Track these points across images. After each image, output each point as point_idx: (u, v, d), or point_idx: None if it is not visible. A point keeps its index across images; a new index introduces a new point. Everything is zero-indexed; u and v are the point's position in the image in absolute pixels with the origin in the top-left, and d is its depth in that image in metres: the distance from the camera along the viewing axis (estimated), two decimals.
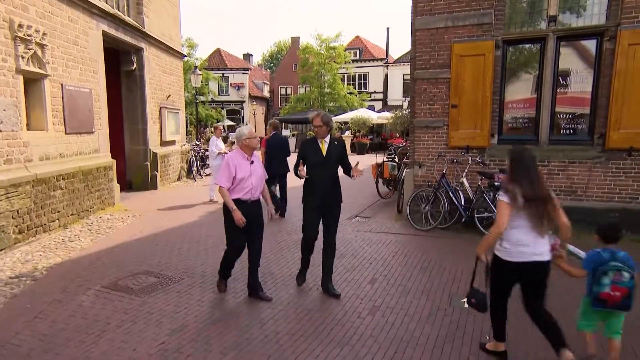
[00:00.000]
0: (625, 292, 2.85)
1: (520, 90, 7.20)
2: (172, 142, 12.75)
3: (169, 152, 12.24)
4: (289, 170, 7.74)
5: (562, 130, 6.94)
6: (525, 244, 2.93)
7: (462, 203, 7.01)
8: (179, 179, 13.06)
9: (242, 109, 41.66)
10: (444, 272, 5.25)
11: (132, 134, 11.00)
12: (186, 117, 27.48)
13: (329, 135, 4.42)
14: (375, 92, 37.44)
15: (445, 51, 7.21)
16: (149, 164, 11.15)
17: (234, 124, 40.39)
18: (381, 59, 37.57)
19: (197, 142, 15.08)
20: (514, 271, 3.01)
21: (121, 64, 10.66)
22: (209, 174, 14.01)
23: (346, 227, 7.40)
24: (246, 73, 41.66)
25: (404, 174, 8.42)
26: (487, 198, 6.73)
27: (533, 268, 2.96)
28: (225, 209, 4.28)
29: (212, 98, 35.98)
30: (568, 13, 6.82)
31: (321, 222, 4.55)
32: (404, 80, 33.48)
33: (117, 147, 10.33)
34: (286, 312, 4.17)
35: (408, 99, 29.98)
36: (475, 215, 6.82)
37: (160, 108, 11.84)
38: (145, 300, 4.38)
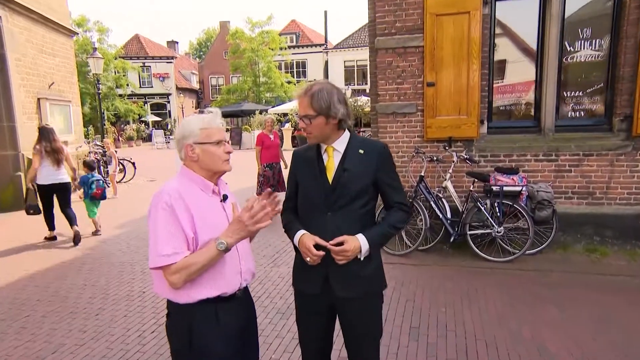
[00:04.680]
0: (102, 191, 6.48)
1: (515, 61, 5.48)
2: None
3: None
4: None
5: (571, 113, 5.30)
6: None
7: (449, 216, 5.17)
8: (73, 190, 10.13)
9: (169, 102, 37.80)
10: (438, 328, 3.38)
11: None
12: (102, 112, 23.79)
13: (345, 134, 1.91)
14: (315, 81, 35.60)
15: (416, 9, 5.29)
16: (22, 175, 8.27)
17: (159, 119, 36.60)
18: (320, 45, 35.62)
19: (97, 143, 11.98)
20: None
21: None
22: (122, 181, 11.26)
23: (288, 256, 5.29)
24: (171, 62, 37.80)
25: None
26: (482, 208, 4.94)
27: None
28: (189, 323, 1.66)
29: (132, 91, 31.94)
30: None
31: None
32: (345, 66, 31.87)
33: None
34: None
35: (351, 86, 28.57)
36: (468, 233, 5.00)
37: (39, 99, 8.92)
38: None
